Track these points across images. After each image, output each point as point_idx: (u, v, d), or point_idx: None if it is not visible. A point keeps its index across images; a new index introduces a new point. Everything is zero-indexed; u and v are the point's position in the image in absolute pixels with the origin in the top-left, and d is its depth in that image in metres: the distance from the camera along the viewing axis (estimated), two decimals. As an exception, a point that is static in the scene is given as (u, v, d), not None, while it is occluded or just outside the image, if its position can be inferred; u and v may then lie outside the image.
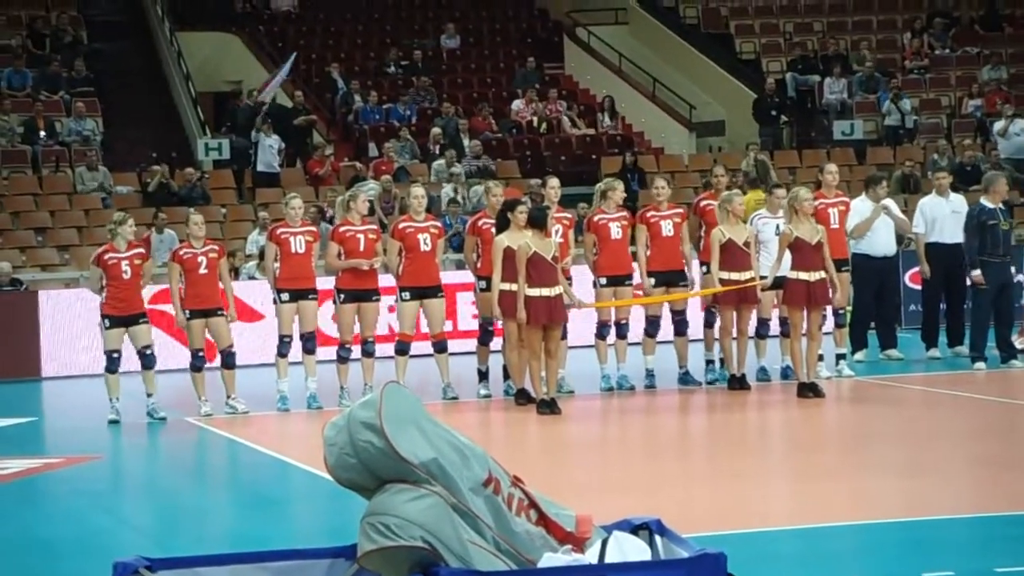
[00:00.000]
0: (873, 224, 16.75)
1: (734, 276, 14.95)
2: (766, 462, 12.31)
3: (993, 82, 29.96)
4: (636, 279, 15.94)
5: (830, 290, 14.72)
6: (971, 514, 9.54)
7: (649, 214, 15.56)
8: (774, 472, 11.77)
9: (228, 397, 15.02)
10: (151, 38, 31.75)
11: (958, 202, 17.38)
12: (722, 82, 31.70)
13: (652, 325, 15.69)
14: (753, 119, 29.52)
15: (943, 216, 17.21)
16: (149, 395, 14.82)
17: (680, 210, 15.72)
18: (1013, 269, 17.54)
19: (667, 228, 15.46)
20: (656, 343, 15.73)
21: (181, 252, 15.01)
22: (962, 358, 17.09)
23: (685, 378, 15.72)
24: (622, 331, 15.61)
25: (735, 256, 14.95)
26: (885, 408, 14.69)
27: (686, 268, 15.56)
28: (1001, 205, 16.74)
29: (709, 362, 15.92)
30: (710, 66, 32.01)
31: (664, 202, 15.55)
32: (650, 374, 15.68)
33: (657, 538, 4.90)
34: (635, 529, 4.92)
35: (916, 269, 18.17)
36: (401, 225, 15.28)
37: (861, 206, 16.89)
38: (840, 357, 16.29)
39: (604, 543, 4.74)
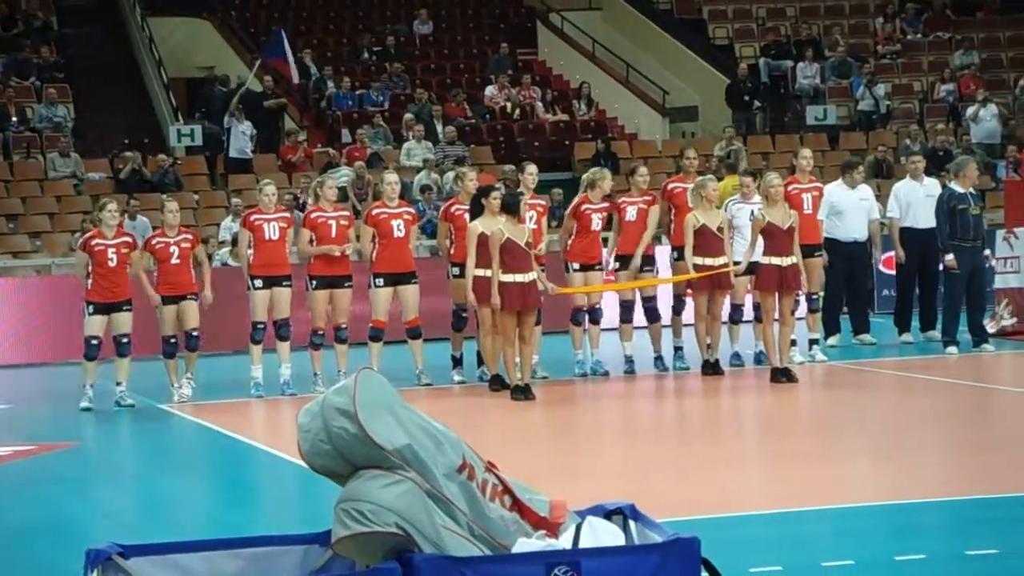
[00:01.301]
0: (845, 207, 16.81)
1: (708, 261, 14.96)
2: (740, 447, 12.33)
3: (965, 67, 30.04)
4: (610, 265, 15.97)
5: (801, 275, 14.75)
6: (943, 498, 9.58)
7: (620, 200, 15.57)
8: (748, 457, 11.79)
9: (185, 373, 15.06)
10: (122, 23, 31.63)
11: (932, 186, 17.42)
12: (695, 67, 31.72)
13: (626, 311, 15.70)
14: (726, 104, 29.55)
15: (917, 200, 17.25)
16: (119, 383, 14.78)
17: (647, 197, 15.70)
18: (987, 252, 17.61)
19: (631, 213, 15.45)
20: (633, 328, 15.75)
21: (154, 242, 15.04)
22: (934, 342, 17.16)
23: (658, 363, 15.74)
24: (595, 316, 15.62)
25: (709, 241, 14.95)
26: (858, 393, 14.74)
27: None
28: (971, 190, 16.78)
29: (678, 349, 15.93)
30: (683, 51, 32.03)
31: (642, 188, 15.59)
32: (629, 360, 15.69)
33: (631, 523, 4.91)
34: (609, 514, 4.92)
35: (889, 254, 18.22)
36: (374, 211, 15.27)
37: (836, 191, 16.93)
38: (813, 342, 16.34)
39: (578, 528, 4.74)
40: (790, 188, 15.58)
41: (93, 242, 14.69)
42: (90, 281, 14.69)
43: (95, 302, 14.67)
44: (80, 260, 14.95)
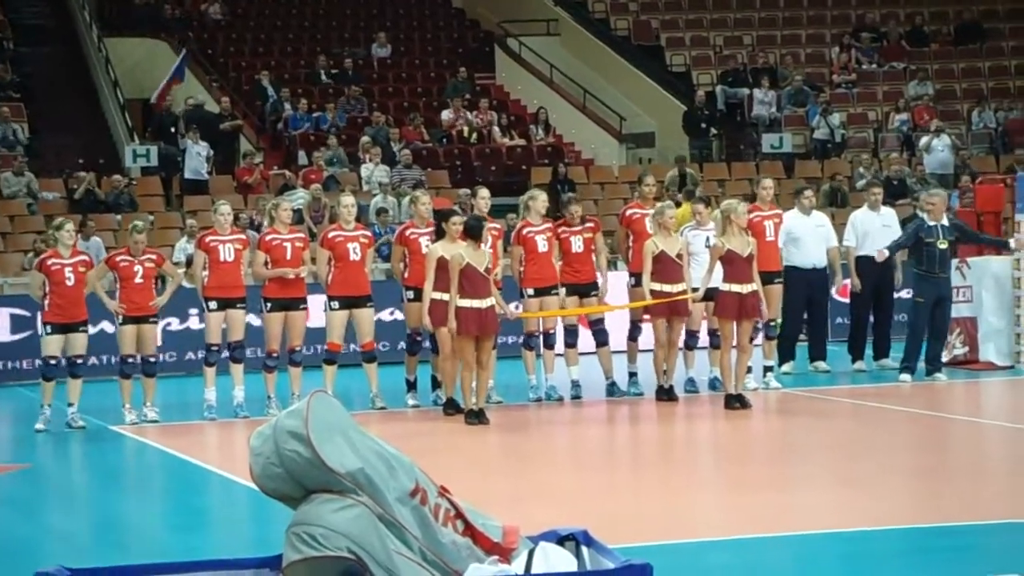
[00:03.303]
0: (801, 234, 16.89)
1: (666, 288, 14.97)
2: (694, 473, 12.34)
3: (919, 98, 30.26)
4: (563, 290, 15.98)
5: (761, 302, 14.80)
6: (898, 525, 9.60)
7: (560, 229, 15.54)
8: (702, 483, 11.80)
9: (144, 404, 14.93)
10: (79, 43, 31.49)
11: (889, 216, 17.55)
12: (652, 94, 31.81)
13: (571, 335, 15.70)
14: (683, 131, 29.65)
15: (874, 230, 17.33)
16: (70, 404, 14.67)
17: (590, 224, 15.72)
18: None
19: (577, 244, 15.44)
20: (579, 354, 15.74)
21: (118, 259, 14.93)
22: (887, 370, 17.23)
23: (611, 389, 15.73)
24: (549, 341, 15.61)
25: (667, 268, 14.96)
26: (812, 420, 14.79)
27: (599, 279, 15.58)
28: (943, 222, 16.84)
29: (632, 375, 15.94)
30: (641, 78, 32.12)
31: (575, 219, 15.52)
32: (576, 384, 15.69)
33: (583, 549, 4.90)
34: (562, 540, 4.91)
35: (845, 282, 18.30)
36: (330, 234, 15.23)
37: (792, 218, 16.97)
38: (768, 369, 16.38)
39: (531, 554, 4.73)
40: (752, 215, 15.64)
41: (49, 262, 14.58)
42: (47, 302, 14.56)
43: (53, 323, 14.56)
44: (35, 280, 14.81)
